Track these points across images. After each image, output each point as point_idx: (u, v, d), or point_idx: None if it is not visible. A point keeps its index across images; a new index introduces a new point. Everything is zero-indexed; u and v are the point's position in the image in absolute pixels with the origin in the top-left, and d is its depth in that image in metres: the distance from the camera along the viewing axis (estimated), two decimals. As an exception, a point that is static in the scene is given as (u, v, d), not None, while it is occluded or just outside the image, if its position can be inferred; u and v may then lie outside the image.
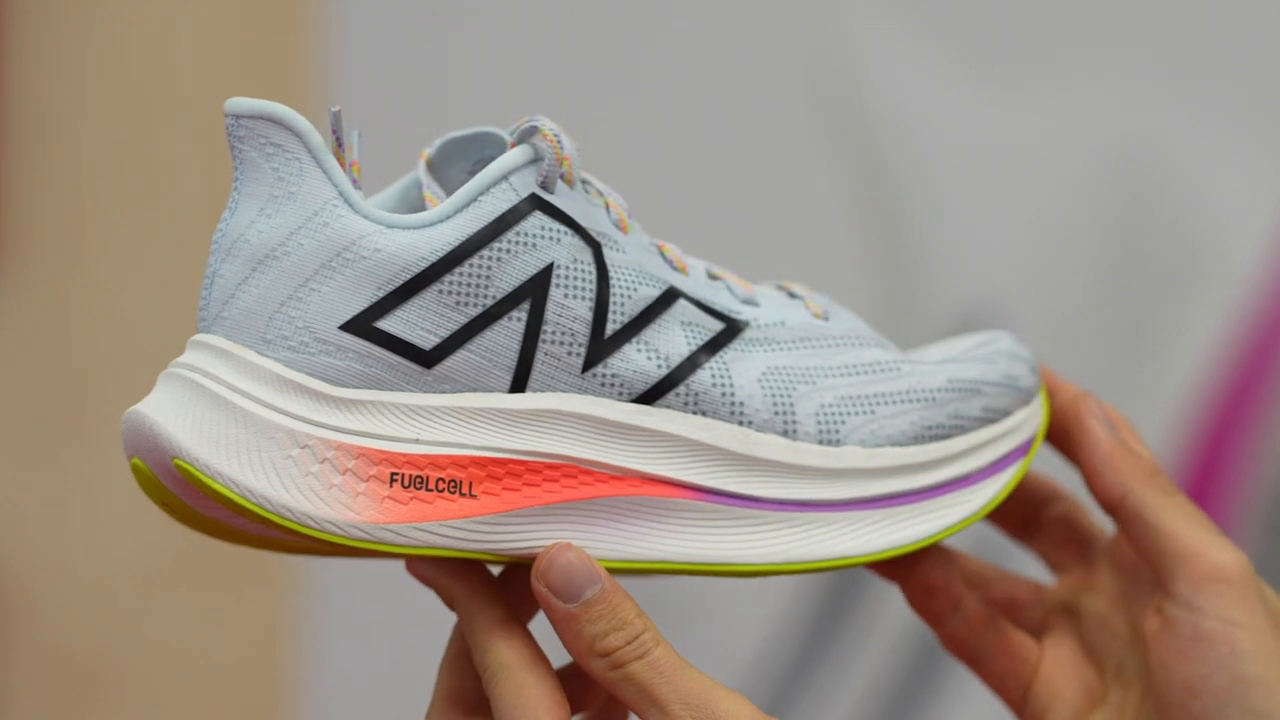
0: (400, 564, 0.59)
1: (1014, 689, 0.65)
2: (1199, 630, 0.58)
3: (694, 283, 0.59)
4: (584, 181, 0.59)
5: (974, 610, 0.64)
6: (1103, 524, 0.67)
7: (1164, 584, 0.60)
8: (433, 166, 0.60)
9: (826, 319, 0.60)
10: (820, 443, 0.57)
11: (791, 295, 0.61)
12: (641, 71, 1.13)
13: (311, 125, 0.56)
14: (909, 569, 0.64)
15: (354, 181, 0.60)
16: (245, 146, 0.56)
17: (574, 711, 0.62)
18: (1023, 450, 0.60)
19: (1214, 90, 1.06)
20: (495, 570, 0.59)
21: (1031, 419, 0.60)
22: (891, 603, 1.12)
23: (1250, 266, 1.07)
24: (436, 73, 1.15)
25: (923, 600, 0.64)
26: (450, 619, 0.59)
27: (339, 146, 0.57)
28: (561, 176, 0.57)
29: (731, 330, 0.58)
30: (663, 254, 0.59)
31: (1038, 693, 0.65)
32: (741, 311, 0.59)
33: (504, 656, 0.57)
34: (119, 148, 1.23)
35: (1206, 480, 1.09)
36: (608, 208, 0.58)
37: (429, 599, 1.15)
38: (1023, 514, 0.67)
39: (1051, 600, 0.67)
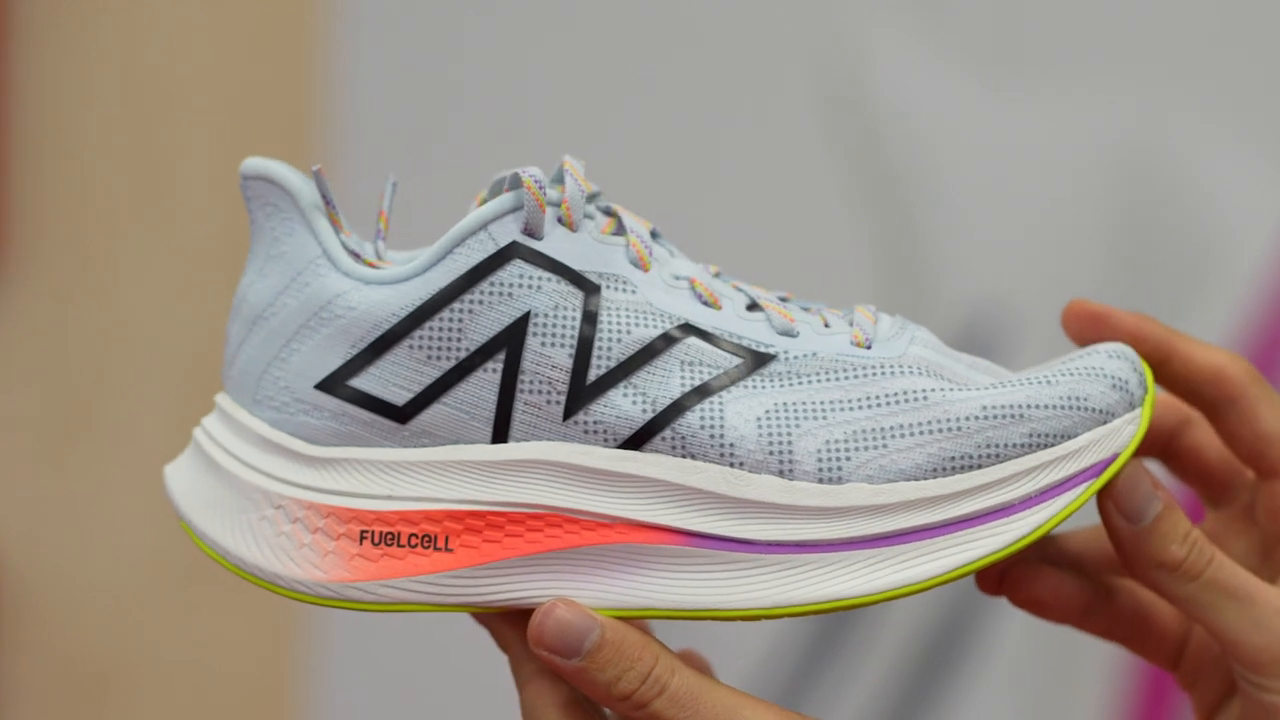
0: None
1: (1165, 660, 0.63)
2: (1264, 704, 0.57)
3: (724, 317, 0.57)
4: (614, 216, 0.58)
5: (1111, 604, 0.62)
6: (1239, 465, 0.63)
7: None
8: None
9: (869, 346, 0.57)
10: (820, 481, 0.54)
11: (850, 322, 0.58)
12: (648, 77, 1.14)
13: (305, 182, 0.57)
14: (1013, 587, 0.61)
15: (379, 233, 0.60)
16: (253, 207, 0.58)
17: None
18: (1092, 473, 0.55)
19: (1222, 91, 1.05)
20: None
21: (1108, 439, 0.56)
22: (900, 602, 1.12)
23: (1258, 267, 1.07)
24: (446, 80, 1.17)
25: (1039, 610, 0.62)
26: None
27: (327, 204, 0.57)
28: (560, 220, 0.57)
29: (753, 364, 0.56)
30: (693, 288, 0.57)
31: (1188, 664, 0.63)
32: (774, 345, 0.56)
33: (535, 703, 0.57)
34: (126, 150, 1.24)
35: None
36: (629, 246, 0.57)
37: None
38: (1157, 445, 0.64)
39: None
